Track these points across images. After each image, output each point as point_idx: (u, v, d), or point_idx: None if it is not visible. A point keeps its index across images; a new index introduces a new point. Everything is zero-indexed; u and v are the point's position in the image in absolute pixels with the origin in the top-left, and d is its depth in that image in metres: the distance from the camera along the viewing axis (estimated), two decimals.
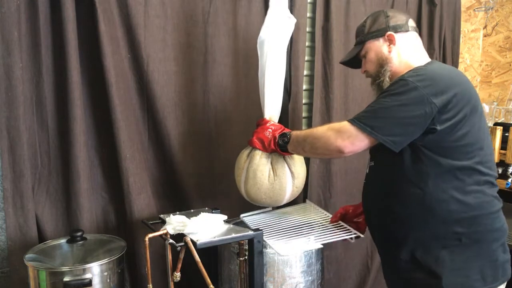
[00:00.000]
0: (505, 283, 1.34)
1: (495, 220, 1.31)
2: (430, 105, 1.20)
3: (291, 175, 1.63)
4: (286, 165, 1.62)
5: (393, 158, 1.30)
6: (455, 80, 1.28)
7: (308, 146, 1.41)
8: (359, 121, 1.26)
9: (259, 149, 1.61)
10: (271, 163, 1.61)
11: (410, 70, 1.31)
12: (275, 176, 1.60)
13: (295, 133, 1.51)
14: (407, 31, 1.41)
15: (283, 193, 1.63)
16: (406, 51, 1.40)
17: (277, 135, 1.57)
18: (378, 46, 1.42)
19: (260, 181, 1.59)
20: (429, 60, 1.42)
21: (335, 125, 1.33)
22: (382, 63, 1.41)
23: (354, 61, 1.52)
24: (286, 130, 1.59)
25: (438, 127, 1.22)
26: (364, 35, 1.45)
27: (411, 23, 1.43)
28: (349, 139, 1.27)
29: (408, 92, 1.22)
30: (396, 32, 1.40)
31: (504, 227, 1.34)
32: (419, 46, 1.44)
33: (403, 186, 1.31)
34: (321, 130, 1.36)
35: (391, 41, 1.40)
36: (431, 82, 1.23)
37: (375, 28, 1.42)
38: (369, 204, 1.47)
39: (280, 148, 1.55)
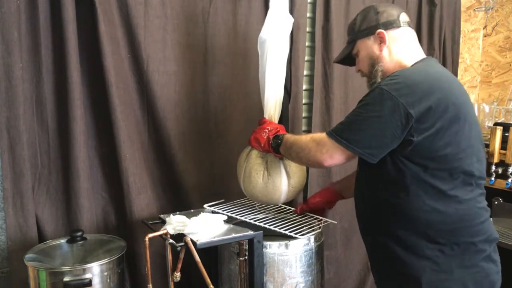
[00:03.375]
0: None
1: (479, 232, 1.25)
2: (406, 115, 1.15)
3: (287, 176, 1.64)
4: (281, 165, 1.63)
5: (375, 167, 1.27)
6: (435, 87, 1.20)
7: (294, 154, 1.42)
8: (336, 134, 1.24)
9: (256, 149, 1.62)
10: (267, 163, 1.62)
11: (388, 76, 1.25)
12: (268, 176, 1.61)
13: (286, 137, 1.50)
14: (398, 27, 1.33)
15: (277, 193, 1.64)
16: (398, 49, 1.33)
17: (271, 137, 1.57)
18: (369, 45, 1.35)
19: (255, 180, 1.62)
20: (423, 56, 1.35)
21: (316, 136, 1.31)
22: (373, 62, 1.35)
23: (349, 58, 1.47)
24: (281, 132, 1.59)
25: (415, 138, 1.17)
26: (355, 34, 1.39)
27: (404, 17, 1.35)
28: (328, 152, 1.26)
29: (383, 102, 1.17)
30: (386, 29, 1.32)
31: (491, 237, 1.27)
32: (413, 42, 1.36)
33: (385, 195, 1.28)
34: (304, 141, 1.34)
35: (381, 39, 1.33)
36: (407, 90, 1.17)
37: (365, 26, 1.36)
38: (357, 208, 1.46)
39: (274, 150, 1.55)
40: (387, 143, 1.20)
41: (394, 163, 1.24)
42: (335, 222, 1.78)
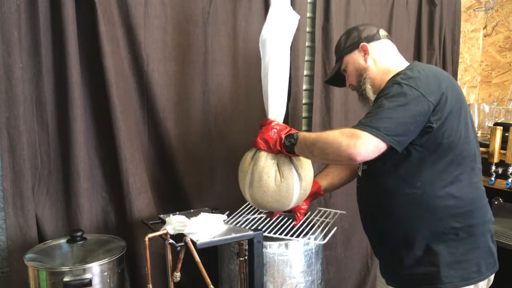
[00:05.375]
0: (494, 273, 1.40)
1: (486, 213, 1.38)
2: (427, 103, 1.24)
3: (298, 177, 1.54)
4: (293, 167, 1.54)
5: (387, 161, 1.31)
6: (441, 77, 1.33)
7: (318, 151, 1.36)
8: (366, 125, 1.24)
9: (264, 150, 1.52)
10: (277, 165, 1.52)
11: (399, 74, 1.33)
12: (282, 178, 1.51)
13: (302, 135, 1.45)
14: (379, 39, 1.48)
15: (290, 196, 1.54)
16: (382, 58, 1.46)
17: (283, 136, 1.50)
18: (355, 58, 1.49)
19: (266, 183, 1.50)
20: (407, 63, 1.45)
21: (346, 131, 1.29)
22: (360, 72, 1.47)
23: (339, 79, 1.59)
24: (293, 131, 1.53)
25: (434, 125, 1.26)
26: (341, 51, 1.54)
27: (382, 32, 1.50)
28: (362, 146, 1.23)
29: (405, 93, 1.25)
30: (368, 42, 1.47)
31: (492, 218, 1.41)
32: (394, 51, 1.50)
33: (399, 187, 1.34)
34: (332, 136, 1.31)
35: (365, 51, 1.47)
36: (422, 82, 1.28)
37: (350, 43, 1.51)
38: (366, 208, 1.49)
39: (287, 150, 1.48)
40: (412, 130, 1.26)
41: (408, 153, 1.30)
42: (344, 212, 1.79)
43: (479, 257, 1.34)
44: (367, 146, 1.23)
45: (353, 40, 1.50)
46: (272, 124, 1.54)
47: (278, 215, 1.71)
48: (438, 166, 1.30)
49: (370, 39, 1.48)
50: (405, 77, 1.30)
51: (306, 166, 1.57)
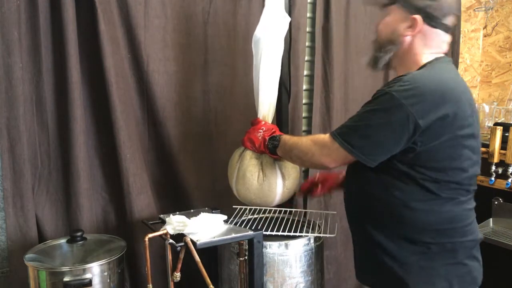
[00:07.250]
0: None
1: (466, 233, 1.26)
2: (414, 125, 1.12)
3: (282, 176, 1.62)
4: (276, 166, 1.62)
5: (372, 171, 1.25)
6: (446, 97, 1.15)
7: (295, 157, 1.41)
8: (341, 137, 1.22)
9: (250, 149, 1.61)
10: (261, 164, 1.61)
11: (399, 80, 1.17)
12: (264, 177, 1.59)
13: (284, 139, 1.48)
14: (435, 27, 1.23)
15: (272, 194, 1.62)
16: (421, 44, 1.25)
17: (267, 138, 1.55)
18: (399, 18, 1.25)
19: (249, 181, 1.59)
20: (436, 57, 1.26)
21: (319, 139, 1.28)
22: (392, 38, 1.26)
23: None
24: (277, 133, 1.58)
25: (418, 147, 1.15)
26: None
27: (448, 21, 1.24)
28: (332, 156, 1.25)
29: (393, 110, 1.14)
30: (424, 19, 1.22)
31: (477, 238, 1.29)
32: (438, 45, 1.27)
33: (378, 192, 1.26)
34: (306, 144, 1.33)
35: (413, 25, 1.23)
36: (418, 99, 1.13)
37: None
38: (349, 204, 1.43)
39: (270, 151, 1.54)
40: (390, 150, 1.19)
41: (390, 165, 1.22)
42: (335, 212, 1.80)
43: (449, 273, 1.23)
44: (336, 157, 1.25)
45: (413, 2, 1.22)
46: (260, 124, 1.60)
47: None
48: (419, 182, 1.19)
49: (430, 19, 1.21)
50: (401, 88, 1.14)
51: (290, 165, 1.64)
